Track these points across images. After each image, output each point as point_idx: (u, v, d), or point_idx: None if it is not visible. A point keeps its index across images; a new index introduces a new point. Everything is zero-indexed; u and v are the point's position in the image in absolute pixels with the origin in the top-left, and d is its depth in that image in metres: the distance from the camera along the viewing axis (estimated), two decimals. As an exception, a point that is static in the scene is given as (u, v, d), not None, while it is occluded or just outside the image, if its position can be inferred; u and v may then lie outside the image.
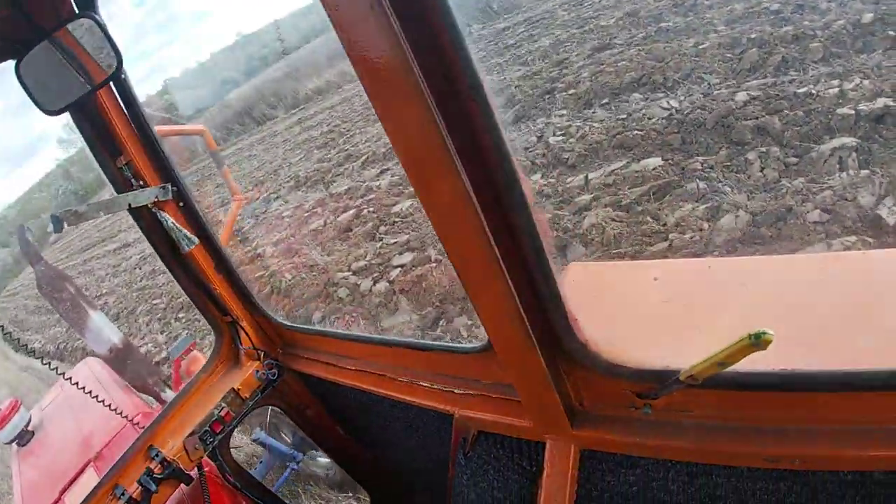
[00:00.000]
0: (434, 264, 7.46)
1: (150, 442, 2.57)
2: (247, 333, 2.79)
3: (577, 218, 6.69)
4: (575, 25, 15.31)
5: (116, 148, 2.33)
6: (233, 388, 2.70)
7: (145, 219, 2.44)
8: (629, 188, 6.92)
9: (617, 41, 12.16)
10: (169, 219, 2.40)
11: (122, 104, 2.29)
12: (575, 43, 13.48)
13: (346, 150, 16.17)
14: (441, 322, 6.64)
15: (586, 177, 7.36)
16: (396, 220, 9.62)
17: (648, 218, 6.39)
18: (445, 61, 1.12)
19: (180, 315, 13.10)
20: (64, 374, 3.16)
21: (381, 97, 1.17)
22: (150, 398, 4.59)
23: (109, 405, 3.16)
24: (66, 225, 2.21)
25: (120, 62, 2.03)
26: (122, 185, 2.38)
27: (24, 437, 4.36)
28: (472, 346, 1.82)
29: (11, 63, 1.99)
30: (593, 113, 9.25)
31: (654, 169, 7.09)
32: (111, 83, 2.19)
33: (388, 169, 12.30)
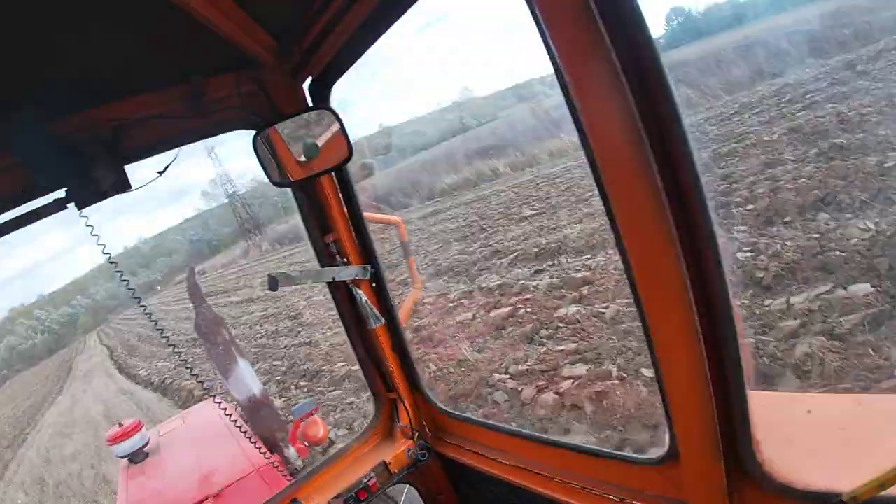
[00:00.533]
0: (616, 381, 7.22)
1: (294, 495, 2.65)
2: (407, 411, 2.89)
3: (785, 345, 6.31)
4: (732, 139, 15.19)
5: (328, 226, 2.58)
6: (384, 461, 2.79)
7: (340, 291, 2.67)
8: (840, 316, 6.47)
9: (788, 157, 11.86)
10: (363, 296, 2.60)
11: (339, 188, 2.55)
12: (738, 157, 13.28)
13: (490, 246, 16.55)
14: (626, 450, 6.30)
15: (788, 301, 6.99)
16: (560, 325, 9.47)
17: (869, 350, 5.90)
18: None
19: (301, 382, 13.36)
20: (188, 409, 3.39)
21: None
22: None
23: (240, 450, 3.27)
24: (279, 285, 2.41)
25: (350, 154, 2.27)
26: (326, 259, 2.62)
27: (138, 456, 4.53)
28: (649, 457, 1.81)
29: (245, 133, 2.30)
30: (777, 231, 8.91)
31: (864, 296, 6.62)
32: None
33: (543, 270, 12.36)
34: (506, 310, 11.04)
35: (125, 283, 2.49)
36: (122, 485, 4.41)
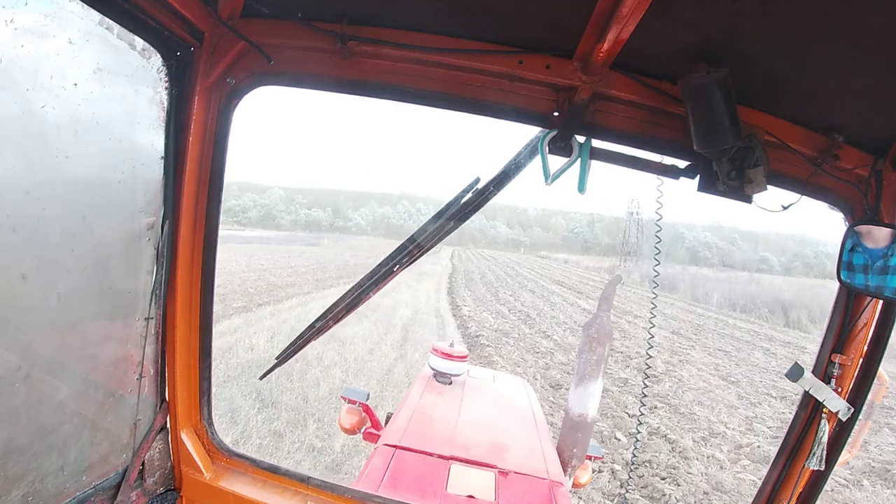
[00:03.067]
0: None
1: None
2: None
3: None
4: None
5: (844, 346, 2.38)
6: None
7: (807, 412, 2.47)
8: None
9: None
10: (825, 433, 2.41)
11: (881, 317, 2.31)
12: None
13: None
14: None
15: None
16: None
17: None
18: None
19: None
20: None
21: None
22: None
23: (540, 450, 3.78)
24: (797, 378, 2.39)
25: None
26: (818, 373, 2.42)
27: (445, 378, 4.75)
28: None
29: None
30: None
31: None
32: None
33: None
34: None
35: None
36: (417, 390, 4.61)
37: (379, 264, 2.45)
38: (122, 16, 1.69)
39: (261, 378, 3.34)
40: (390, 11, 2.06)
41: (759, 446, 11.29)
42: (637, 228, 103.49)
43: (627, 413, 12.45)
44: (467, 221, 2.40)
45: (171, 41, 1.94)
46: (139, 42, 1.82)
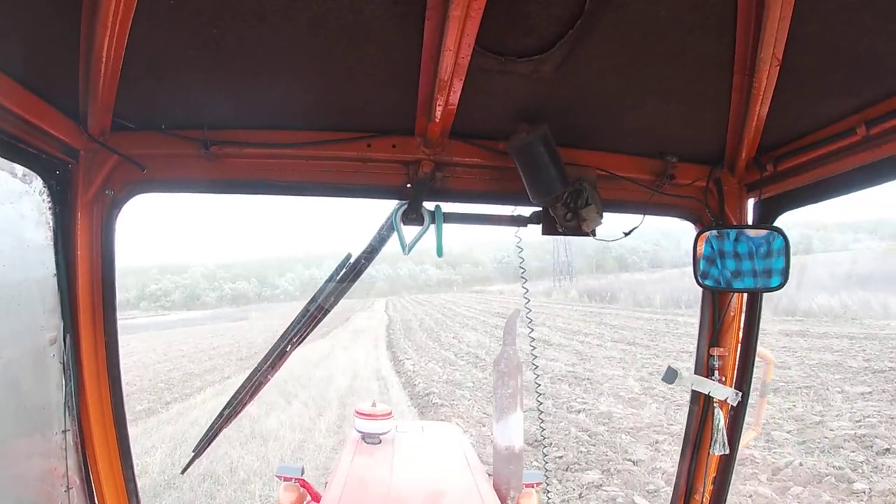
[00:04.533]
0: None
1: None
2: None
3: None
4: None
5: (719, 340, 2.69)
6: None
7: (699, 405, 2.75)
8: None
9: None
10: (721, 420, 2.64)
11: (747, 308, 2.69)
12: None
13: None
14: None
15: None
16: None
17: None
18: None
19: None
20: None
21: None
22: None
23: (476, 489, 3.72)
24: (674, 379, 2.70)
25: (785, 280, 2.35)
26: (701, 369, 2.74)
27: (373, 438, 4.78)
28: None
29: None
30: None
31: None
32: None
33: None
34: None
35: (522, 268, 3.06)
36: (348, 455, 4.54)
37: (281, 336, 2.63)
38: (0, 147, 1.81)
39: (182, 472, 3.59)
40: (246, 114, 2.29)
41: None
42: (564, 247, 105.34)
43: (632, 461, 10.51)
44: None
45: (49, 162, 2.05)
46: (19, 169, 1.94)
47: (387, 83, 2.17)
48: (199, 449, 2.81)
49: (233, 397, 2.69)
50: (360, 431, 4.89)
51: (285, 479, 4.79)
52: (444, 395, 16.90)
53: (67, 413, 2.19)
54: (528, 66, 1.99)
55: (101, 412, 2.33)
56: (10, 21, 1.60)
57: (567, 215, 2.33)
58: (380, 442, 4.82)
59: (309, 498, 4.77)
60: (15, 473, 1.96)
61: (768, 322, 26.85)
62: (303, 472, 4.83)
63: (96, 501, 2.39)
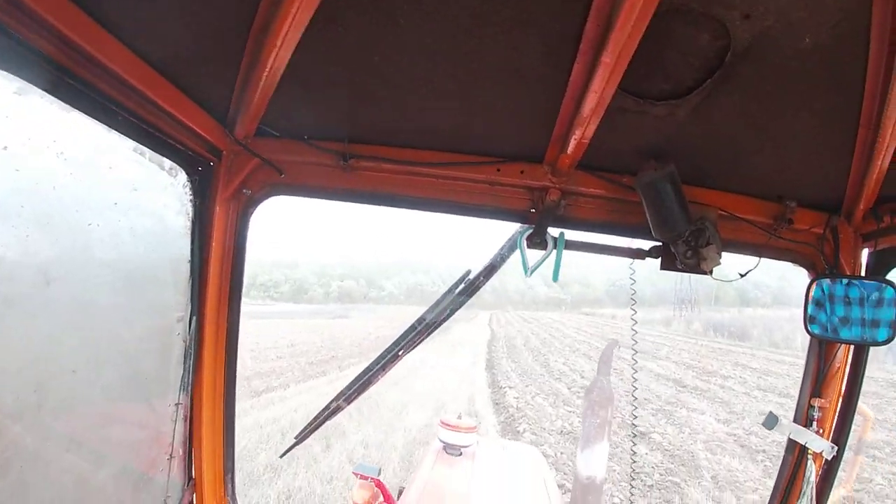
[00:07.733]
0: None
1: None
2: None
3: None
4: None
5: (822, 391, 2.65)
6: None
7: (794, 455, 2.75)
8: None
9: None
10: (813, 472, 2.64)
11: (852, 362, 2.67)
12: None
13: None
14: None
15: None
16: None
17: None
18: None
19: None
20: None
21: None
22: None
23: None
24: (774, 425, 2.70)
25: (889, 340, 2.38)
26: (800, 419, 2.72)
27: (455, 450, 4.92)
28: None
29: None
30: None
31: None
32: None
33: None
34: None
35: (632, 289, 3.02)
36: (428, 463, 4.77)
37: (395, 340, 2.75)
38: (152, 142, 2.00)
39: (281, 456, 3.64)
40: (385, 132, 2.46)
41: None
42: (686, 274, 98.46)
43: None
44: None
45: (194, 159, 2.27)
46: (167, 162, 2.15)
47: (524, 116, 2.29)
48: (302, 437, 3.00)
49: (340, 393, 2.86)
50: (442, 441, 5.02)
51: (361, 478, 4.85)
52: (560, 458, 12.45)
53: (182, 388, 2.38)
54: (665, 108, 2.11)
55: (213, 391, 2.52)
56: (179, 33, 1.79)
57: (688, 253, 2.42)
58: (461, 454, 4.95)
59: (381, 499, 4.80)
60: (127, 435, 2.15)
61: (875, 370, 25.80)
62: (379, 473, 4.87)
63: (193, 473, 2.57)
